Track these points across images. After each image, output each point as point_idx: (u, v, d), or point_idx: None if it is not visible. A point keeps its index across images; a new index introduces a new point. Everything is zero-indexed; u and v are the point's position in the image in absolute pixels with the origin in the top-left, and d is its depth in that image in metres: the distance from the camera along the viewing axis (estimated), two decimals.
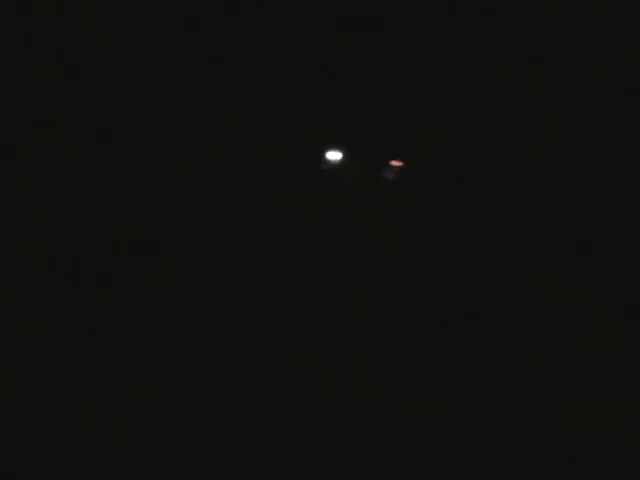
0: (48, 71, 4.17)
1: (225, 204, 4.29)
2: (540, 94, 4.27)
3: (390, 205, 4.30)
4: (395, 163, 4.22)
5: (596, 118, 4.23)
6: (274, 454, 4.04)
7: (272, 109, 4.28)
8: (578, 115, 4.24)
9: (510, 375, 4.12)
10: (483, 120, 4.29)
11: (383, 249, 4.29)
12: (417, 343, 4.19)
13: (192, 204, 4.26)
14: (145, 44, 4.22)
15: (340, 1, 4.20)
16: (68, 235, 4.16)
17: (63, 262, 4.13)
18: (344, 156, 4.29)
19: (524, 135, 4.27)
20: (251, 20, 4.23)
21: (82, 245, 4.16)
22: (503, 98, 4.28)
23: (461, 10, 4.23)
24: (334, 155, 4.24)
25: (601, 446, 3.99)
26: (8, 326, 4.05)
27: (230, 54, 4.23)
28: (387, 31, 4.24)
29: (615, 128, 4.23)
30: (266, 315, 4.20)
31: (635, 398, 4.05)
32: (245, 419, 4.08)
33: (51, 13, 4.15)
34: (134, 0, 4.21)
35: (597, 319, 4.15)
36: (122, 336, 4.11)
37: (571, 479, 3.99)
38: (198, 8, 4.24)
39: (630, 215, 4.21)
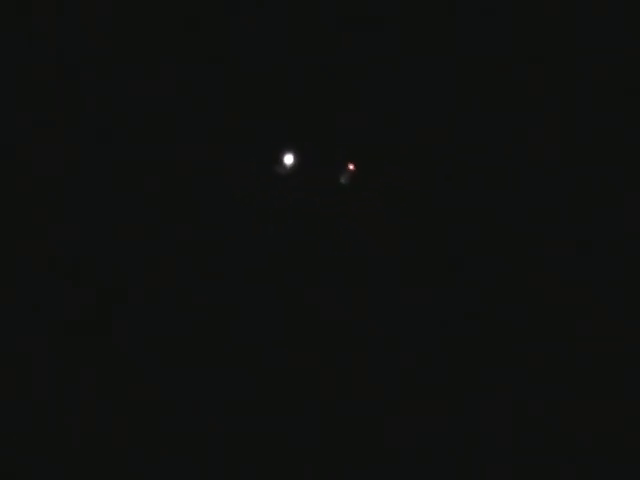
0: (48, 71, 4.17)
1: (225, 204, 4.28)
2: (540, 94, 4.27)
3: (390, 205, 4.30)
4: (351, 166, 4.22)
5: (596, 118, 4.23)
6: (274, 454, 4.04)
7: (273, 109, 4.28)
8: (578, 115, 4.24)
9: (510, 375, 4.12)
10: (483, 120, 4.29)
11: (383, 249, 4.28)
12: (417, 343, 4.19)
13: (192, 204, 4.26)
14: (145, 44, 4.22)
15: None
16: (68, 235, 4.16)
17: (63, 262, 4.13)
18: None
19: (524, 135, 4.27)
20: (251, 20, 4.22)
21: (82, 245, 4.16)
22: (503, 98, 4.28)
23: (461, 10, 4.24)
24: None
25: (601, 446, 3.99)
26: (8, 326, 4.05)
27: (230, 54, 4.23)
28: (387, 31, 4.24)
29: (615, 128, 4.23)
30: (266, 315, 4.20)
31: (635, 398, 4.05)
32: (245, 419, 4.08)
33: (51, 13, 4.15)
34: (134, 0, 4.22)
35: (597, 319, 4.14)
36: (122, 336, 4.11)
37: (571, 479, 3.99)
38: (198, 8, 4.24)
39: (630, 215, 4.21)
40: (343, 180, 4.20)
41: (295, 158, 4.23)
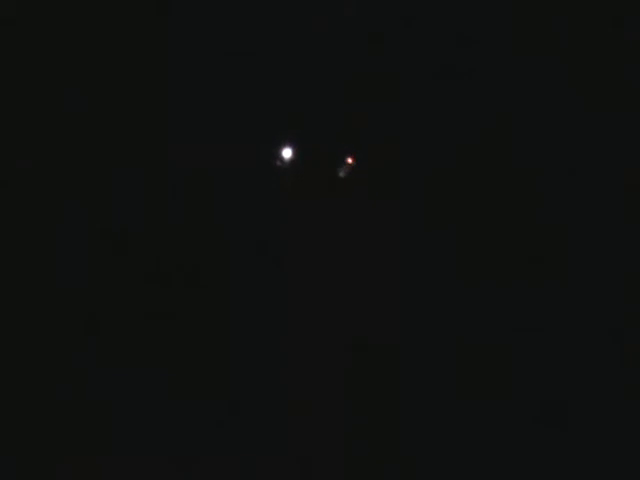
0: (47, 71, 4.17)
1: (222, 198, 4.26)
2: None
3: (389, 199, 4.28)
4: (349, 161, 4.21)
5: (595, 117, 4.23)
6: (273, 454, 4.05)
7: (271, 103, 4.26)
8: (576, 115, 4.24)
9: (512, 376, 4.12)
10: (480, 115, 4.29)
11: (382, 243, 4.26)
12: (418, 343, 4.18)
13: (193, 205, 4.25)
14: (147, 44, 4.23)
15: None
16: (67, 235, 4.16)
17: (62, 262, 4.14)
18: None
19: (522, 131, 4.27)
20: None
21: (81, 245, 4.16)
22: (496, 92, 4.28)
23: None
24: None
25: (601, 445, 4.00)
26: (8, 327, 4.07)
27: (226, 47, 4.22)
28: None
29: (615, 128, 4.23)
30: (260, 316, 4.19)
31: (635, 398, 4.05)
32: (244, 419, 4.09)
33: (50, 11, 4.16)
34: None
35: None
36: (121, 335, 4.12)
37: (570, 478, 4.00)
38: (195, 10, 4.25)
39: (630, 215, 4.21)
40: (342, 174, 4.20)
41: (294, 152, 4.23)
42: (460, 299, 4.18)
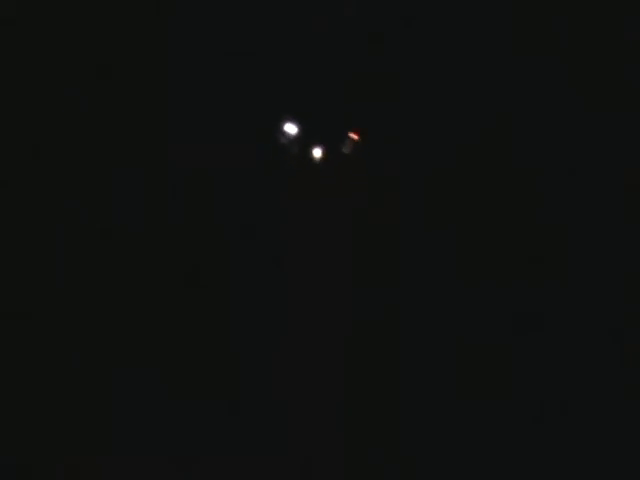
0: (47, 71, 4.17)
1: (225, 202, 4.27)
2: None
3: (392, 175, 4.27)
4: (353, 136, 4.19)
5: (595, 117, 4.23)
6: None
7: (275, 80, 4.26)
8: (576, 115, 4.24)
9: (512, 375, 4.12)
10: (475, 109, 4.28)
11: (386, 219, 4.25)
12: (417, 344, 4.18)
13: (194, 205, 4.25)
14: (147, 44, 4.23)
15: None
16: (67, 237, 4.16)
17: (62, 262, 4.13)
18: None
19: (519, 124, 4.27)
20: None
21: (81, 245, 4.16)
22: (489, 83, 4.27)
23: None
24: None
25: (601, 445, 3.99)
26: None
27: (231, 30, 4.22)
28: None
29: (615, 128, 4.23)
30: (260, 316, 4.19)
31: (635, 398, 4.05)
32: (244, 419, 4.09)
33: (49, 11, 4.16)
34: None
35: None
36: (121, 335, 4.12)
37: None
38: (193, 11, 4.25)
39: (630, 215, 4.21)
40: (345, 150, 4.19)
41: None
42: (460, 299, 4.18)
